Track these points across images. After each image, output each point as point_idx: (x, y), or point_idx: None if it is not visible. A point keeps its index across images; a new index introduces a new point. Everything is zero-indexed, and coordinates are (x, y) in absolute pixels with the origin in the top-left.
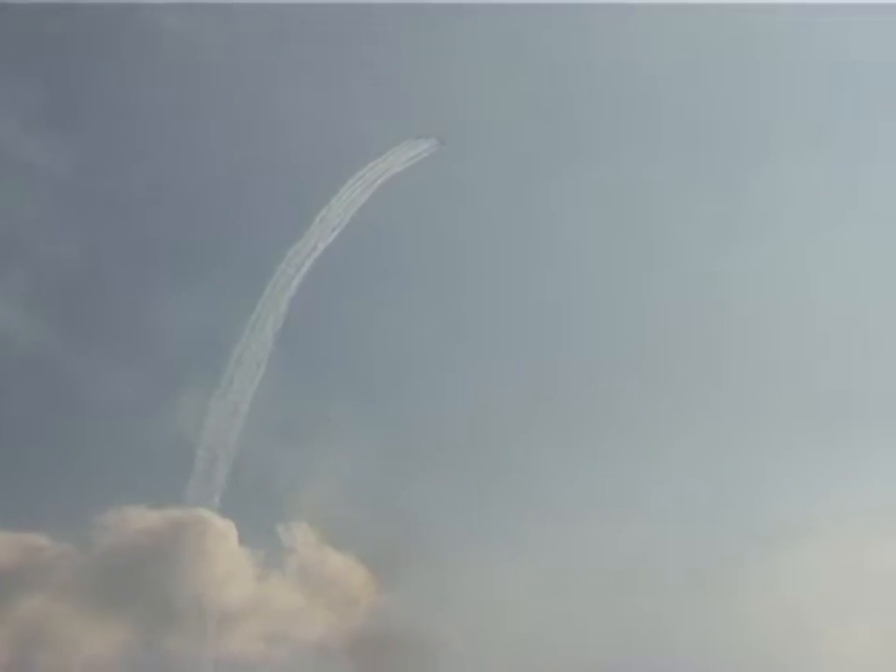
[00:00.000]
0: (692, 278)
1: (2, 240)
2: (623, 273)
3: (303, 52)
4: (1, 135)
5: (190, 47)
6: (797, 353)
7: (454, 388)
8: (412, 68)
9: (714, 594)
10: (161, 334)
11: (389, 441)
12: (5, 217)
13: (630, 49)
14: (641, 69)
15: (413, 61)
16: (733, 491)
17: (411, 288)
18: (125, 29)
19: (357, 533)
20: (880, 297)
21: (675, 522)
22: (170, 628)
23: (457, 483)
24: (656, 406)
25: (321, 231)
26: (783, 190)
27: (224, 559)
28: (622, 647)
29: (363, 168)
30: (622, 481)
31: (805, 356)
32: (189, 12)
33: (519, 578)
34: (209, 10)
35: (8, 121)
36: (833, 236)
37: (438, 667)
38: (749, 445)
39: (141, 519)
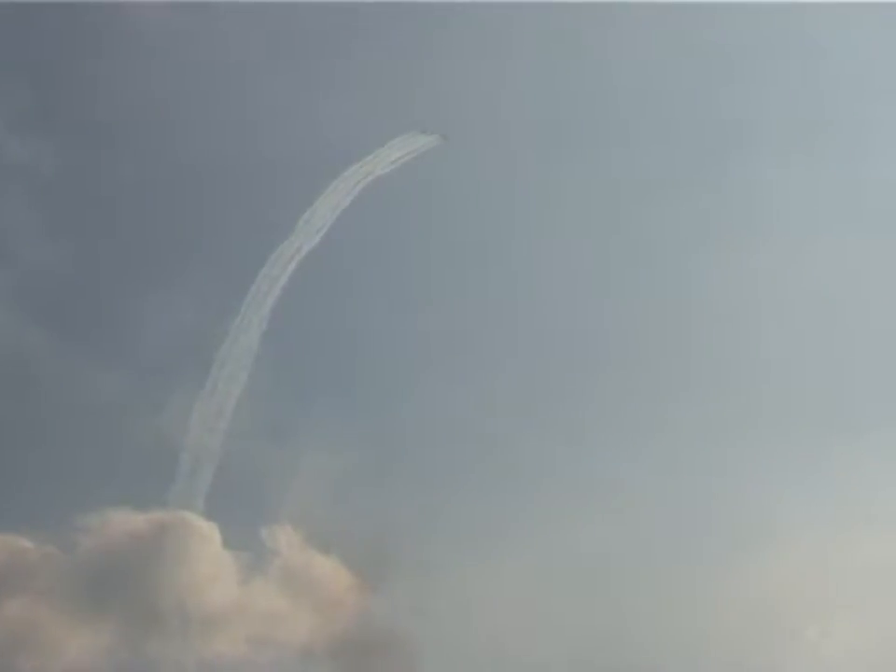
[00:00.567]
0: (676, 276)
1: None
2: (610, 272)
3: (287, 51)
4: None
5: (176, 46)
6: (780, 350)
7: (439, 391)
8: (399, 67)
9: (694, 593)
10: (145, 336)
11: (374, 444)
12: None
13: (618, 46)
14: (631, 67)
15: (400, 60)
16: (712, 490)
17: (397, 291)
18: (110, 28)
19: (341, 536)
20: (865, 295)
21: (654, 522)
22: (153, 631)
23: (442, 487)
24: (637, 404)
25: (306, 232)
26: (770, 188)
27: (208, 562)
28: (603, 647)
29: (348, 169)
30: (603, 480)
31: (789, 353)
32: (175, 10)
33: (503, 581)
34: (195, 8)
35: None
36: (819, 234)
37: (422, 670)
38: (729, 444)
39: (125, 522)
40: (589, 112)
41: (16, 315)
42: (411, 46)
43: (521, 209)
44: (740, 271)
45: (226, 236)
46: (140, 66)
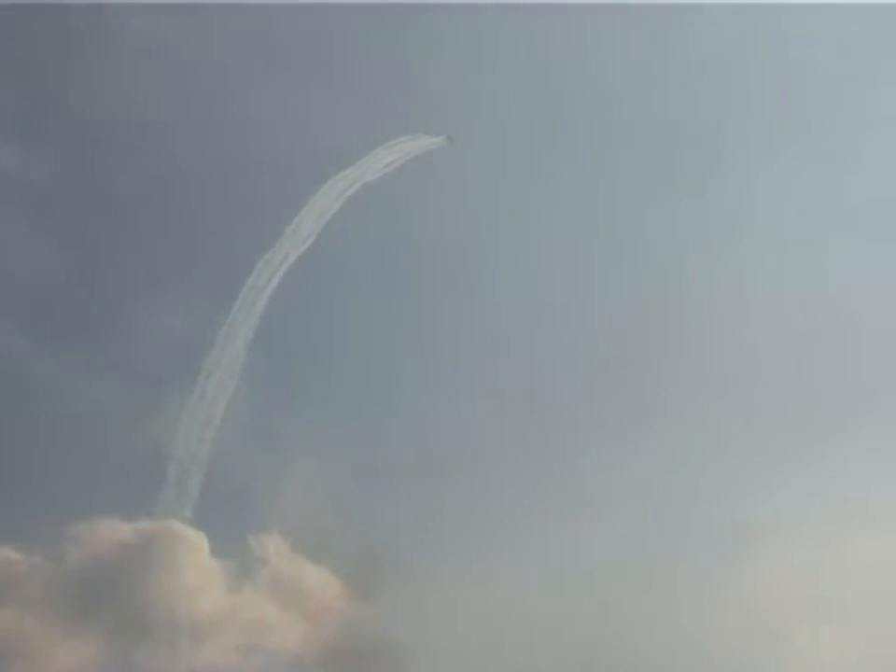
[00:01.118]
0: (667, 277)
1: None
2: (600, 274)
3: (275, 56)
4: None
5: (167, 51)
6: (771, 351)
7: (428, 400)
8: (388, 71)
9: (686, 595)
10: (133, 344)
11: (362, 451)
12: None
13: (611, 50)
14: (621, 69)
15: (389, 63)
16: (702, 492)
17: (385, 299)
18: (97, 33)
19: (330, 544)
20: (855, 297)
21: (645, 524)
22: (142, 640)
23: (431, 494)
24: (625, 408)
25: (292, 241)
26: (761, 190)
27: (196, 571)
28: (596, 651)
29: (334, 177)
30: (594, 484)
31: (779, 354)
32: (166, 14)
33: (494, 587)
34: (185, 11)
35: None
36: (810, 235)
37: None
38: (720, 446)
39: (113, 531)
40: (579, 116)
41: (5, 323)
42: (400, 49)
43: (511, 213)
44: (731, 272)
45: (217, 243)
46: (130, 71)
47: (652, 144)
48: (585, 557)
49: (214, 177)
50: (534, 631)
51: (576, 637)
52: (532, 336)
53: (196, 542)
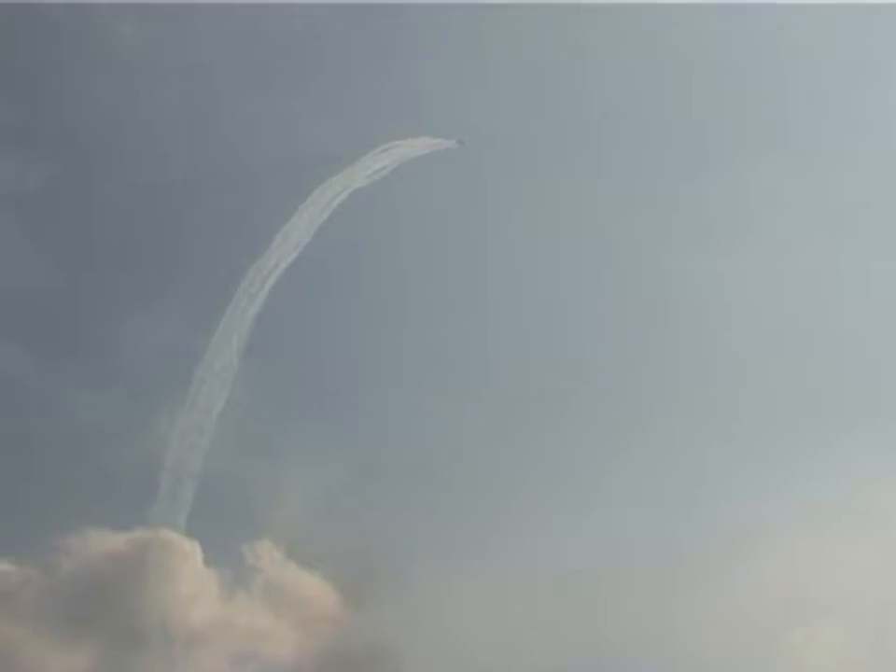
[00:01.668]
0: (656, 280)
1: None
2: (589, 277)
3: (265, 63)
4: None
5: (155, 61)
6: (758, 354)
7: (421, 407)
8: (378, 76)
9: (676, 596)
10: (124, 354)
11: (355, 459)
12: None
13: (597, 52)
14: (603, 70)
15: (379, 68)
16: (694, 493)
17: (377, 306)
18: (89, 43)
19: (324, 551)
20: (844, 298)
21: (635, 525)
22: (136, 650)
23: (426, 502)
24: (615, 409)
25: (283, 248)
26: (750, 191)
27: (189, 580)
28: (588, 657)
29: (324, 182)
30: (585, 489)
31: (767, 357)
32: (153, 22)
33: (488, 594)
34: (175, 21)
35: None
36: (795, 238)
37: None
38: (710, 448)
39: (105, 542)
40: (563, 119)
41: None
42: (390, 52)
43: (498, 216)
44: (720, 274)
45: (209, 252)
46: (120, 81)
47: (637, 147)
48: (579, 562)
49: (211, 185)
50: (528, 636)
51: (570, 642)
52: (524, 341)
53: (189, 551)
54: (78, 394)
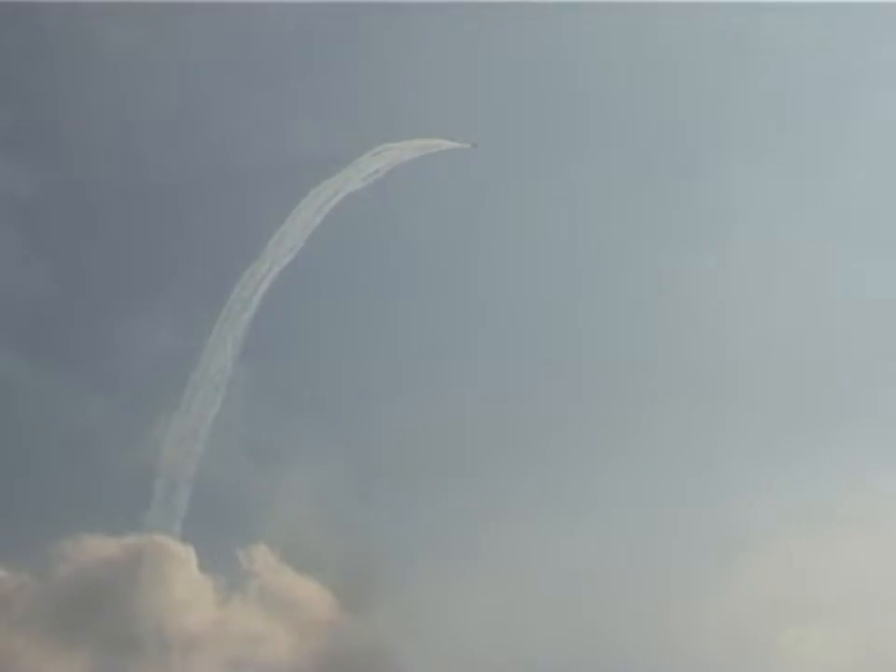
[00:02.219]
0: (650, 279)
1: None
2: (583, 276)
3: (259, 64)
4: None
5: (146, 63)
6: (754, 354)
7: (417, 410)
8: (372, 78)
9: (670, 597)
10: (119, 359)
11: (351, 462)
12: None
13: (589, 50)
14: (596, 71)
15: (373, 70)
16: (686, 496)
17: (374, 308)
18: (81, 45)
19: (320, 556)
20: (838, 298)
21: (629, 527)
22: (131, 656)
23: (422, 505)
24: (611, 409)
25: (276, 253)
26: (741, 194)
27: (184, 585)
28: (586, 658)
29: (317, 186)
30: (581, 491)
31: (761, 358)
32: (143, 25)
33: (486, 597)
34: (165, 23)
35: None
36: (790, 239)
37: None
38: (703, 449)
39: (100, 547)
40: (556, 118)
41: None
42: (385, 53)
43: (491, 217)
44: (716, 274)
45: (203, 255)
46: (112, 84)
47: (631, 148)
48: (576, 563)
49: (205, 190)
50: (526, 638)
51: (568, 643)
52: (520, 343)
53: (184, 557)
54: (73, 399)
